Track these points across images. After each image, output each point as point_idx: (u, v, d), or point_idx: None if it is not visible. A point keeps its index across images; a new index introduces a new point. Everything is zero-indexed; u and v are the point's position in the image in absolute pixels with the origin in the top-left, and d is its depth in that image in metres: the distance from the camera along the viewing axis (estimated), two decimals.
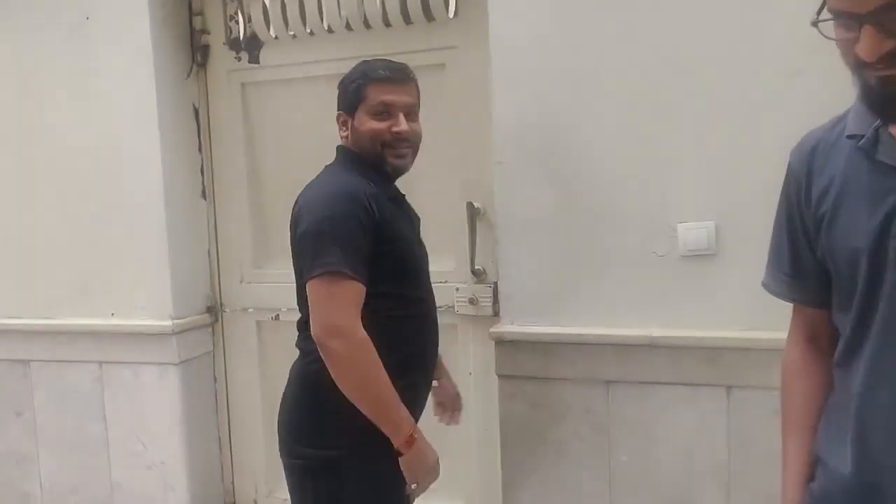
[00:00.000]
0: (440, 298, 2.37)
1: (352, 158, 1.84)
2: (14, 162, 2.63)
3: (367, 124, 1.79)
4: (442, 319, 2.31)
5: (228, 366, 2.69)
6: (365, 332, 1.65)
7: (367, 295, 1.69)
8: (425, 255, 1.93)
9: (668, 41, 1.96)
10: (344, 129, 1.85)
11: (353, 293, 1.66)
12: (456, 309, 2.38)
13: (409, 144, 1.82)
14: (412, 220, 1.93)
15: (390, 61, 1.84)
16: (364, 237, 1.68)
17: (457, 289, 2.37)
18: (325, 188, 1.77)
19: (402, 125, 1.78)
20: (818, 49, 1.12)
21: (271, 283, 2.59)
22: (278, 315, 2.59)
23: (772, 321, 1.93)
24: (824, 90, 1.66)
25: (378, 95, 1.78)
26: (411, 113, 1.82)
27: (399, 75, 1.81)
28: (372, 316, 1.68)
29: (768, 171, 1.90)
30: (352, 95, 1.82)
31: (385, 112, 1.78)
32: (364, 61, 1.85)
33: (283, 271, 2.57)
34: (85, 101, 2.52)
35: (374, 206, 1.71)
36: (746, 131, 1.92)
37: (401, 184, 1.92)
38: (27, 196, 2.62)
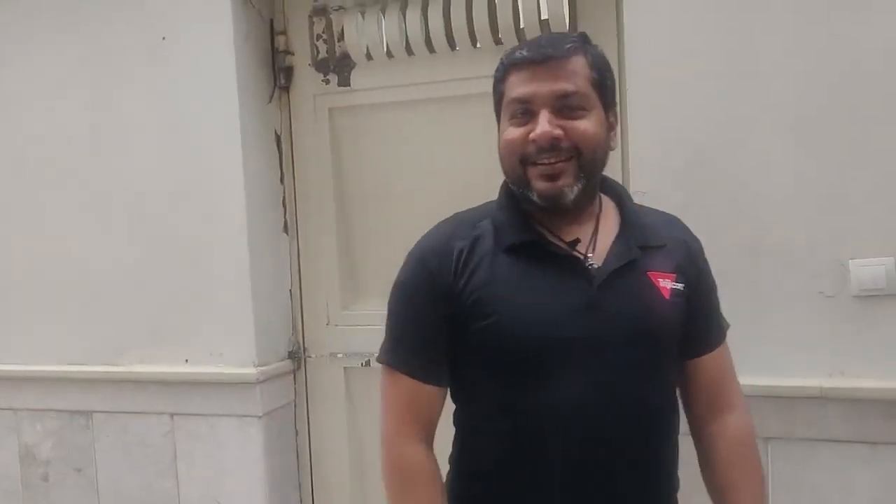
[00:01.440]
0: None
1: (503, 189, 1.38)
2: (83, 192, 2.41)
3: (503, 135, 1.31)
4: None
5: (312, 418, 2.44)
6: (421, 449, 1.31)
7: (457, 398, 1.37)
8: (595, 345, 1.25)
9: (842, 56, 1.75)
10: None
11: (398, 392, 1.33)
12: None
13: (559, 156, 1.24)
14: (576, 287, 1.27)
15: (545, 35, 1.37)
16: (426, 313, 1.31)
17: None
18: (413, 247, 1.39)
19: (542, 126, 1.23)
20: None
21: (361, 326, 2.35)
22: (369, 361, 2.34)
23: None
24: None
25: (511, 90, 1.28)
26: (567, 106, 1.24)
27: (542, 52, 1.25)
28: (459, 430, 1.38)
29: None
30: (495, 97, 1.35)
31: (526, 112, 1.26)
32: None
33: (375, 312, 2.35)
34: (161, 127, 2.31)
35: (446, 267, 1.29)
36: None
37: None
38: (94, 230, 2.40)
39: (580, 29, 2.08)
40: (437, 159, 2.25)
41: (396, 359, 1.33)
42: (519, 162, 1.28)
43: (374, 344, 2.31)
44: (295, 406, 2.45)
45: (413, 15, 2.19)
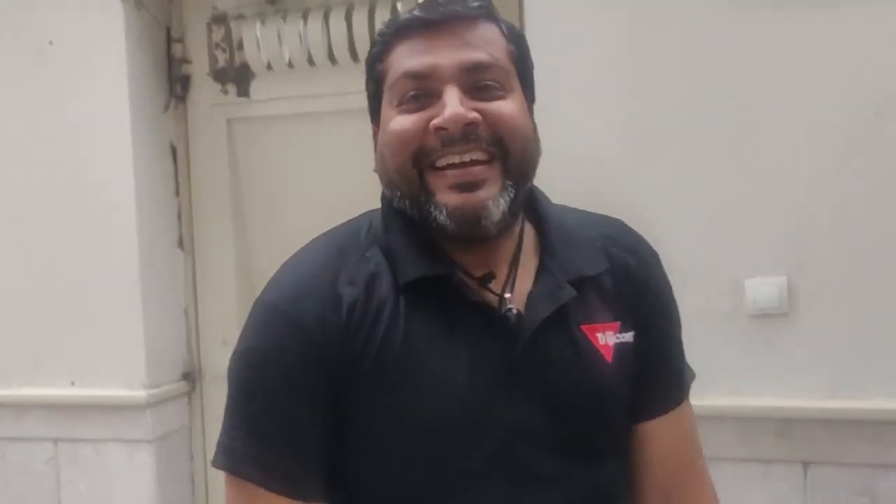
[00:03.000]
0: None
1: (385, 209, 0.97)
2: None
3: (387, 127, 0.91)
4: None
5: (208, 443, 2.34)
6: None
7: None
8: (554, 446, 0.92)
9: (735, 77, 1.77)
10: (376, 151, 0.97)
11: None
12: None
13: (473, 153, 0.87)
14: (490, 349, 0.90)
15: None
16: (301, 395, 0.88)
17: None
18: (266, 290, 0.97)
19: (452, 106, 0.86)
20: None
21: None
22: None
23: (853, 389, 1.75)
24: None
25: (399, 64, 0.90)
26: (480, 86, 0.88)
27: (441, 12, 0.89)
28: None
29: (848, 220, 1.74)
30: (371, 84, 0.97)
31: (422, 94, 0.89)
32: None
33: None
34: (46, 135, 2.18)
35: (332, 326, 0.88)
36: (824, 176, 1.73)
37: None
38: None
39: None
40: (339, 172, 2.18)
41: (252, 465, 0.88)
42: (412, 164, 0.88)
43: None
44: (190, 430, 2.34)
45: (314, 25, 2.13)
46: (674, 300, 1.06)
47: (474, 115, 0.86)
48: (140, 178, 2.16)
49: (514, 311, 0.91)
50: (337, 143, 2.19)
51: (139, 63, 2.19)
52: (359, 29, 2.10)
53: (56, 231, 2.19)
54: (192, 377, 2.33)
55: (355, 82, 2.11)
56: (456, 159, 0.87)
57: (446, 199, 0.87)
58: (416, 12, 0.91)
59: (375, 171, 0.97)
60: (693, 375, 1.09)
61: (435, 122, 0.86)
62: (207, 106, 2.30)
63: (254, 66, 2.23)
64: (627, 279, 0.99)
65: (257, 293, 2.42)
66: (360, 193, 2.11)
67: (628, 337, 0.96)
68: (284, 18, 2.17)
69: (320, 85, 2.19)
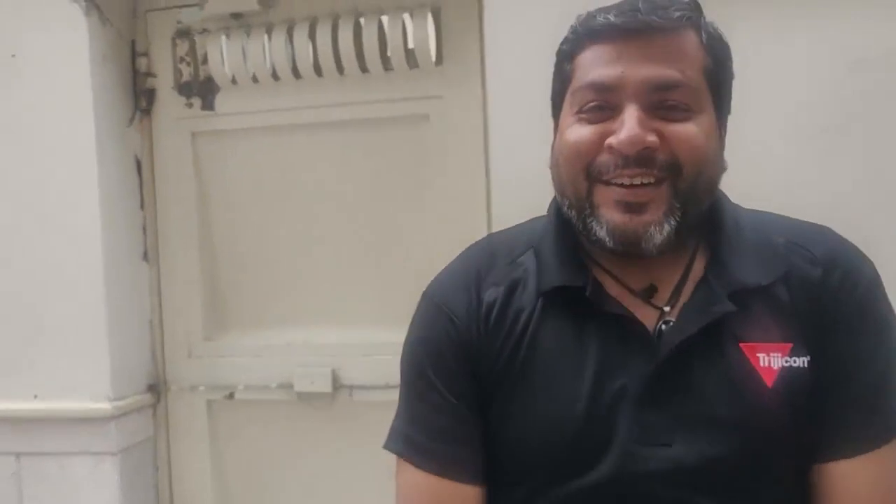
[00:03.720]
0: None
1: (550, 214, 1.00)
2: None
3: (563, 135, 0.92)
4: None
5: (173, 454, 2.34)
6: None
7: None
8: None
9: None
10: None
11: (411, 495, 0.94)
12: None
13: (647, 176, 0.85)
14: (632, 368, 0.88)
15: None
16: (454, 379, 0.94)
17: None
18: (431, 283, 1.03)
19: (629, 127, 0.84)
20: None
21: (225, 357, 2.28)
22: (233, 394, 2.28)
23: None
24: None
25: (585, 71, 0.89)
26: (667, 105, 0.86)
27: (640, 20, 0.85)
28: None
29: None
30: (556, 82, 0.96)
31: (604, 106, 0.88)
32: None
33: (239, 343, 2.30)
34: (8, 149, 2.18)
35: (473, 322, 0.93)
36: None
37: None
38: None
39: (444, 61, 2.11)
40: (302, 185, 2.22)
41: (413, 447, 0.94)
42: (584, 175, 0.88)
43: (239, 376, 2.29)
44: (155, 442, 2.34)
45: (278, 40, 2.16)
46: (885, 326, 0.90)
47: (653, 138, 0.85)
48: (105, 191, 2.16)
49: (670, 322, 0.89)
50: (300, 156, 2.22)
51: (104, 76, 2.20)
52: (322, 44, 2.13)
53: (20, 243, 2.18)
54: (157, 389, 2.33)
55: (319, 96, 2.19)
56: (626, 181, 0.86)
57: (610, 215, 0.87)
58: (611, 16, 0.87)
59: (550, 167, 0.97)
60: None
61: (610, 140, 0.86)
62: (172, 119, 2.31)
63: (218, 80, 2.25)
64: (807, 294, 0.89)
65: (223, 305, 2.45)
66: (326, 206, 2.17)
67: (801, 362, 0.86)
68: (248, 34, 2.19)
69: (284, 99, 2.21)
